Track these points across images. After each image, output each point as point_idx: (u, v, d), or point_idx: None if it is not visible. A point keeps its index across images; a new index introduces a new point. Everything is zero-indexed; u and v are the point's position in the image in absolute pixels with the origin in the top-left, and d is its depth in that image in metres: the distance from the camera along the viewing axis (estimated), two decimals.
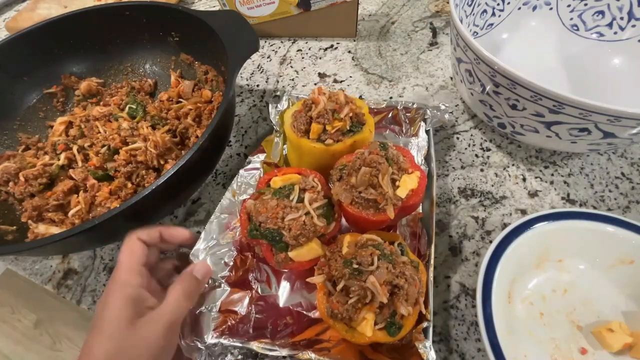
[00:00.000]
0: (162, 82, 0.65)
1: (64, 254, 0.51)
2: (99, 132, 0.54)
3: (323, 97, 0.44)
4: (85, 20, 0.58)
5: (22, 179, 0.50)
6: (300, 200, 0.38)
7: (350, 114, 0.44)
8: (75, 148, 0.53)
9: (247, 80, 0.69)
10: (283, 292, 0.43)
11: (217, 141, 0.48)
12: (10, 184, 0.50)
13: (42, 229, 0.47)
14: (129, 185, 0.49)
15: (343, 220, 0.43)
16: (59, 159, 0.52)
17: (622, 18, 0.59)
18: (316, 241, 0.38)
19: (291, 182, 0.40)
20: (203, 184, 0.55)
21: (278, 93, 0.58)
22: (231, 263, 0.44)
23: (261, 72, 0.70)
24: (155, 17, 0.58)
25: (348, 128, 0.44)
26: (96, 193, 0.48)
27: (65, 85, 0.61)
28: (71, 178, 0.51)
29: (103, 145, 0.51)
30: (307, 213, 0.37)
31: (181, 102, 0.60)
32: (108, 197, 0.48)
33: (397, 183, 0.38)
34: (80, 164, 0.52)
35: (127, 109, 0.57)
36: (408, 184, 0.38)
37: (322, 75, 0.68)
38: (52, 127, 0.58)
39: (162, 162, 0.51)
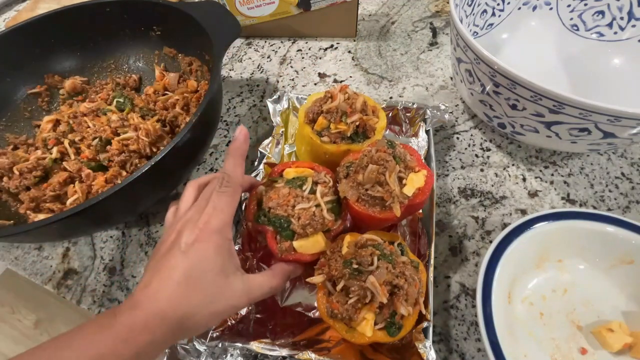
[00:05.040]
0: (147, 77, 0.65)
1: (62, 240, 0.50)
2: (89, 127, 0.54)
3: (341, 96, 0.43)
4: (65, 19, 0.57)
5: (16, 172, 0.49)
6: (312, 192, 0.38)
7: (357, 123, 0.43)
8: (66, 142, 0.53)
9: (247, 80, 0.69)
10: (283, 292, 0.43)
11: (208, 121, 0.48)
12: (5, 178, 0.50)
13: (41, 218, 0.47)
14: (124, 173, 0.49)
15: (349, 220, 0.43)
16: (51, 153, 0.52)
17: (622, 18, 0.59)
18: (322, 235, 0.38)
19: (304, 175, 0.40)
20: (194, 170, 0.56)
21: (278, 93, 0.58)
22: None
23: (261, 72, 0.70)
24: (136, 12, 0.58)
25: (349, 135, 0.43)
26: (92, 182, 0.48)
27: (49, 85, 0.61)
28: (65, 170, 0.51)
29: (94, 138, 0.51)
30: (317, 205, 0.37)
31: (167, 94, 0.60)
32: (104, 185, 0.48)
33: (404, 181, 0.38)
34: (72, 157, 0.52)
35: (114, 102, 0.57)
36: (415, 182, 0.38)
37: (322, 75, 0.68)
38: (38, 126, 0.58)
39: (154, 150, 0.51)
